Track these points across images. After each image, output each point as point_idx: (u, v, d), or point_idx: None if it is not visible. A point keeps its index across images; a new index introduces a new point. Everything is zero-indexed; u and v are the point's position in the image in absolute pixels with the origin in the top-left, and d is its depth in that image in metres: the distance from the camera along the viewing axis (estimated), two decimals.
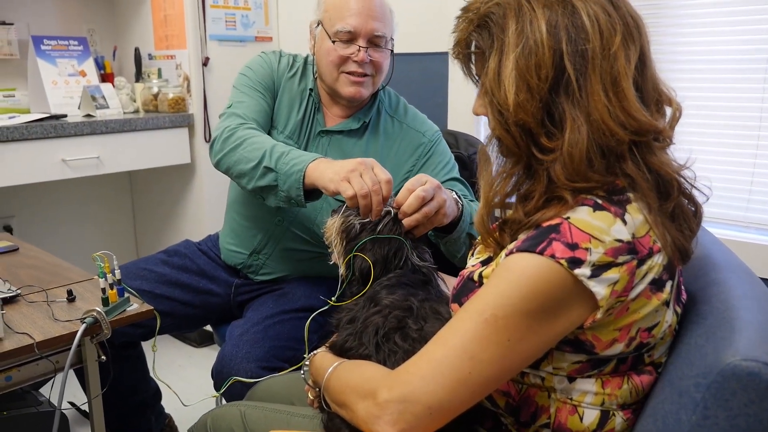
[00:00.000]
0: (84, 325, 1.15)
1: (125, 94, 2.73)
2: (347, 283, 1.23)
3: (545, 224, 0.83)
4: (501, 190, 0.90)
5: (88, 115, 2.53)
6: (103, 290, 1.21)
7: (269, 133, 1.60)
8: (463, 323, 0.83)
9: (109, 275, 1.22)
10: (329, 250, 1.28)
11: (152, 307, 1.27)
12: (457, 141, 1.92)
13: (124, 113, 2.67)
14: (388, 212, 1.21)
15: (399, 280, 1.16)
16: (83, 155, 2.34)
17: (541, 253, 0.79)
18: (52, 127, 2.25)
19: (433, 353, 0.83)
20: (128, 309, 1.25)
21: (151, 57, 2.83)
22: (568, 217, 0.82)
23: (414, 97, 1.68)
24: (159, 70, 2.79)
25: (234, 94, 1.63)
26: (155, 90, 2.72)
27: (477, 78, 0.95)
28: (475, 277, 0.94)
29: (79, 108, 2.58)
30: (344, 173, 1.22)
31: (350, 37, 1.52)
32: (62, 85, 2.62)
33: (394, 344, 0.99)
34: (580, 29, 0.83)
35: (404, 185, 1.21)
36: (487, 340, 0.80)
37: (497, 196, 0.91)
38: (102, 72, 2.89)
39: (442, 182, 1.52)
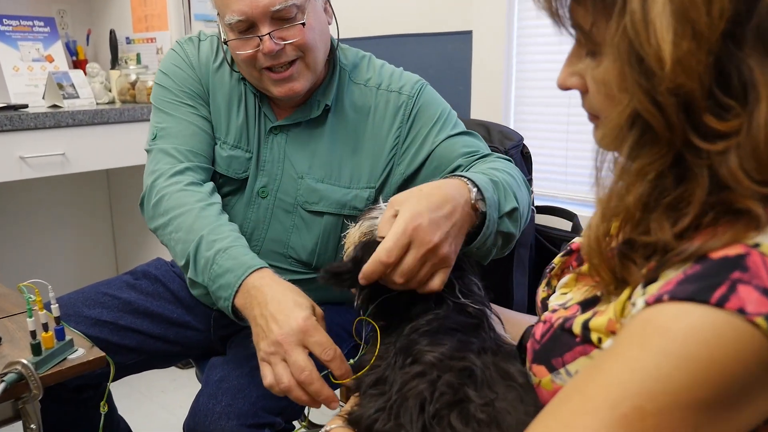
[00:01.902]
0: (3, 384, 0.82)
1: (99, 82, 2.39)
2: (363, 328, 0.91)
3: (717, 255, 0.51)
4: (632, 198, 0.57)
5: (55, 106, 2.20)
6: (33, 334, 0.88)
7: (214, 148, 1.25)
8: (582, 420, 0.50)
9: (42, 312, 0.89)
10: None
11: (104, 354, 0.94)
12: (489, 133, 1.60)
13: (98, 104, 2.33)
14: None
15: (442, 323, 0.83)
16: (45, 152, 2.01)
17: (720, 305, 0.48)
18: (7, 119, 1.91)
19: None
20: (70, 357, 0.93)
21: (128, 41, 2.50)
22: (758, 245, 0.49)
23: (431, 83, 1.31)
24: (138, 55, 2.46)
25: (155, 117, 1.26)
26: (133, 78, 2.39)
27: (575, 29, 0.62)
28: (576, 329, 0.62)
29: (43, 98, 2.24)
30: (265, 349, 0.91)
31: (247, 27, 1.13)
32: (25, 71, 2.28)
33: (449, 429, 0.66)
34: None
35: (375, 256, 0.82)
36: None
37: (623, 207, 0.58)
38: (74, 58, 2.56)
39: (442, 141, 1.19)
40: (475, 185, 0.93)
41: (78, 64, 2.53)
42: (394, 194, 1.23)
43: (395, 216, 0.84)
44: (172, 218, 1.11)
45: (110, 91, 2.46)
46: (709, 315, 0.48)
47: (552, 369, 0.64)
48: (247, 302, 0.97)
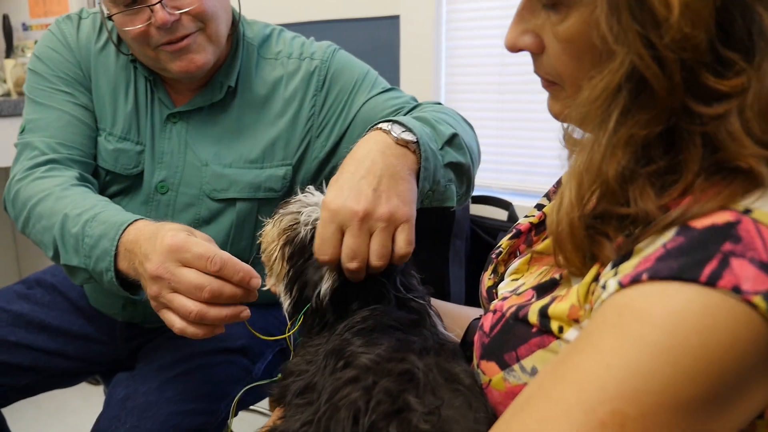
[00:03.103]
0: None
1: None
2: (296, 323, 0.80)
3: (702, 224, 0.43)
4: (612, 170, 0.49)
5: None
6: None
7: (96, 140, 1.10)
8: (550, 428, 0.41)
9: None
10: (266, 273, 0.84)
11: None
12: None
13: None
14: None
15: (379, 320, 0.74)
16: None
17: (711, 283, 0.40)
18: None
19: None
20: None
21: (25, 27, 2.29)
22: (748, 210, 0.42)
23: None
24: (36, 42, 2.24)
25: (26, 108, 1.12)
26: None
27: None
28: (532, 318, 0.54)
29: None
30: (150, 293, 0.78)
31: None
32: None
33: None
34: None
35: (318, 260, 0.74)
36: None
37: (602, 180, 0.49)
38: None
39: (362, 105, 1.08)
40: (393, 122, 0.81)
41: None
42: (315, 173, 1.13)
43: None
44: (31, 209, 0.96)
45: (5, 82, 2.23)
46: (698, 295, 0.40)
47: (504, 366, 0.56)
48: (131, 261, 0.83)
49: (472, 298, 1.46)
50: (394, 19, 1.89)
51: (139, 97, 1.11)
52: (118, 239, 0.84)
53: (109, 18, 1.01)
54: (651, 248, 0.44)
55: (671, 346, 0.40)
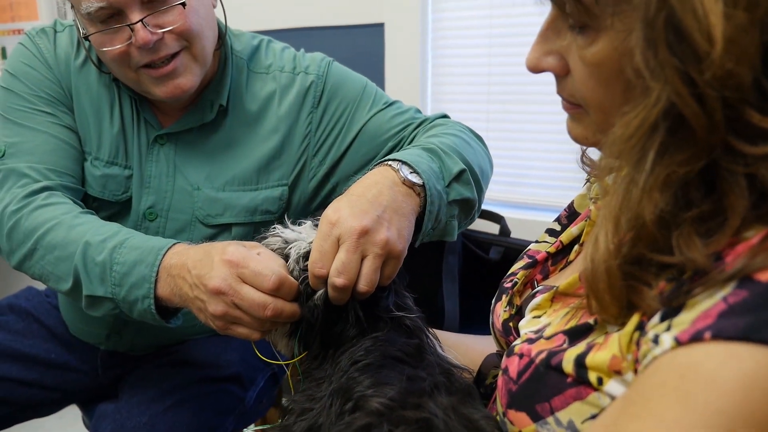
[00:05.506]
0: None
1: None
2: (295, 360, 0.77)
3: (767, 277, 0.40)
4: (649, 213, 0.45)
5: None
6: None
7: (81, 166, 1.03)
8: None
9: None
10: None
11: None
12: None
13: None
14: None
15: (384, 351, 0.71)
16: None
17: None
18: None
19: None
20: None
21: None
22: None
23: None
24: (2, 49, 2.17)
25: (3, 129, 1.01)
26: None
27: None
28: (567, 367, 0.50)
29: None
30: (213, 312, 0.74)
31: (110, 14, 0.91)
32: None
33: None
34: None
35: (309, 274, 0.73)
36: None
37: (639, 224, 0.46)
38: None
39: (366, 123, 1.04)
40: (402, 162, 0.80)
41: None
42: (312, 193, 1.09)
43: None
44: (38, 240, 0.89)
45: None
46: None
47: (537, 417, 0.52)
48: (174, 286, 0.80)
49: (465, 315, 1.43)
50: (378, 27, 1.85)
51: (126, 117, 1.04)
52: (159, 265, 0.81)
53: (86, 38, 0.95)
54: (709, 302, 0.41)
55: (743, 417, 0.37)
